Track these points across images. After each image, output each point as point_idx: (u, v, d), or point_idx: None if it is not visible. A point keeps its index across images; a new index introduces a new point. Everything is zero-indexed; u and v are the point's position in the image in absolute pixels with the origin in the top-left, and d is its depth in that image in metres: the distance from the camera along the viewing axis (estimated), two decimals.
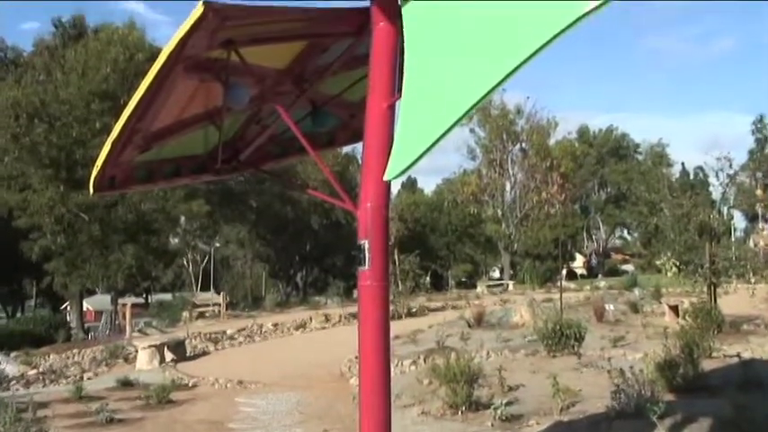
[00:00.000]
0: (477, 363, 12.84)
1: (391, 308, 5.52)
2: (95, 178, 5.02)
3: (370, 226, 4.11)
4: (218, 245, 67.36)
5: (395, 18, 4.07)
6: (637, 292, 33.45)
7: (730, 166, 60.51)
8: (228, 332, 27.97)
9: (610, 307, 24.11)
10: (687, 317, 18.51)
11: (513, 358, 15.77)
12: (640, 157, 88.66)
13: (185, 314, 35.44)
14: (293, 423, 12.11)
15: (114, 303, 40.62)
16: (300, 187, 48.43)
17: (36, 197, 34.75)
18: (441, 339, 18.45)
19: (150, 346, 21.24)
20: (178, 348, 22.12)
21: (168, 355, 21.20)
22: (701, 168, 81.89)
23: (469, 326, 22.52)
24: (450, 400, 10.93)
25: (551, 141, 66.12)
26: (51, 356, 25.31)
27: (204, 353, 23.90)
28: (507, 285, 52.31)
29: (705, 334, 14.49)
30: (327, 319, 31.12)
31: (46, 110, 34.95)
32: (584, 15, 2.74)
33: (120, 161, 5.04)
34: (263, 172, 6.91)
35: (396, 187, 68.89)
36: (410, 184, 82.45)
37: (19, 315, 53.09)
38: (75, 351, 25.71)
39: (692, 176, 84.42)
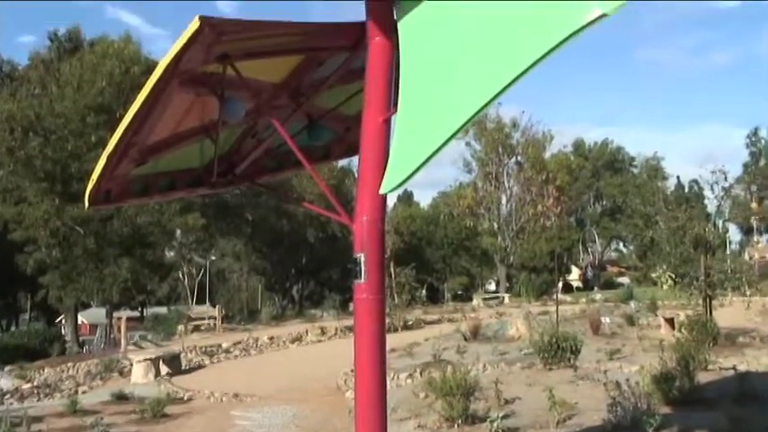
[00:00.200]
0: (474, 376, 12.82)
1: (387, 321, 5.52)
2: (91, 192, 5.02)
3: (366, 239, 4.11)
4: (213, 258, 67.29)
5: (391, 32, 4.08)
6: (633, 304, 33.43)
7: (725, 179, 60.51)
8: (224, 345, 27.88)
9: (606, 320, 24.10)
10: (683, 329, 18.51)
11: (509, 371, 15.75)
12: (636, 171, 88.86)
13: (181, 327, 35.33)
14: None
15: (109, 317, 40.51)
16: (296, 201, 48.42)
17: (31, 210, 34.69)
18: (437, 352, 18.41)
19: (145, 360, 21.16)
20: (173, 362, 22.04)
21: (163, 369, 21.11)
22: (696, 181, 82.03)
23: (465, 339, 22.50)
24: (447, 413, 10.91)
25: (547, 154, 66.30)
26: (46, 370, 25.18)
27: (200, 366, 23.81)
28: (503, 298, 52.26)
29: (701, 347, 14.48)
30: (323, 332, 31.04)
31: (41, 123, 34.94)
32: (580, 29, 2.75)
33: (115, 175, 5.05)
34: (259, 185, 6.91)
35: (392, 200, 69.03)
36: (406, 198, 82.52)
37: (13, 328, 52.89)
38: (69, 365, 25.59)
39: (687, 189, 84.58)
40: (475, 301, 50.39)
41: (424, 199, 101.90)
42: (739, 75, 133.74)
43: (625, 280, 76.90)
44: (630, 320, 25.28)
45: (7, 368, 25.22)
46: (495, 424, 10.00)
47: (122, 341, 31.29)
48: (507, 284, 62.41)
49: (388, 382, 4.83)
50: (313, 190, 46.54)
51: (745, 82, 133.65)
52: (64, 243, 35.82)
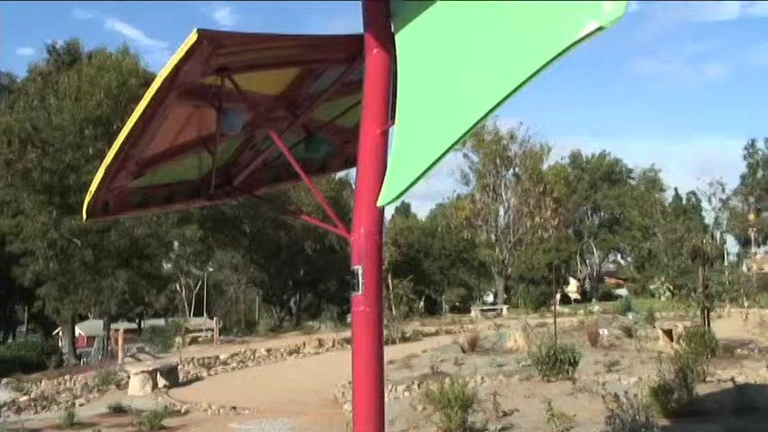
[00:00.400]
0: (472, 388, 12.77)
1: (385, 333, 5.54)
2: (89, 204, 5.02)
3: (364, 251, 4.11)
4: (211, 270, 67.09)
5: (388, 45, 4.10)
6: (631, 316, 33.38)
7: (723, 190, 60.81)
8: (221, 357, 27.81)
9: (604, 331, 24.05)
10: (681, 341, 18.49)
11: (507, 383, 15.72)
12: (633, 182, 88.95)
13: (178, 339, 35.25)
14: None
15: (107, 329, 40.39)
16: (294, 213, 48.47)
17: (29, 222, 34.66)
18: (435, 364, 18.38)
19: (143, 372, 21.09)
20: (171, 374, 21.98)
21: (161, 381, 21.05)
22: (693, 193, 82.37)
23: (463, 351, 22.45)
24: (445, 425, 10.88)
25: (544, 166, 66.35)
26: (43, 382, 25.08)
27: (197, 378, 23.74)
28: (501, 310, 52.23)
29: (699, 358, 14.46)
30: (321, 344, 30.99)
31: (39, 135, 34.97)
32: (576, 42, 2.76)
33: (113, 187, 5.05)
34: (257, 197, 6.92)
35: (389, 212, 68.99)
36: (404, 209, 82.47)
37: (10, 341, 52.72)
38: (66, 377, 25.50)
39: (684, 201, 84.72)
40: (473, 313, 50.38)
41: (421, 211, 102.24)
42: (736, 87, 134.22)
43: (623, 292, 76.78)
44: (629, 332, 25.24)
45: (4, 380, 25.12)
46: None
47: (120, 353, 31.20)
48: (505, 296, 62.37)
49: (385, 395, 4.82)
50: (311, 202, 46.55)
51: (742, 94, 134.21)
52: (61, 255, 35.78)
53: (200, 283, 64.52)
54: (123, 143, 4.43)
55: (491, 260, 64.11)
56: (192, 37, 3.68)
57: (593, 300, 68.46)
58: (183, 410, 16.82)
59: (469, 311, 53.97)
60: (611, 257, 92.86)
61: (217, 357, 27.80)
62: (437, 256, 70.68)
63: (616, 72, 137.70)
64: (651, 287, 30.33)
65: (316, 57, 4.88)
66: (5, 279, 39.63)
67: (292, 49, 4.72)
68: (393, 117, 3.87)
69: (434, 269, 70.67)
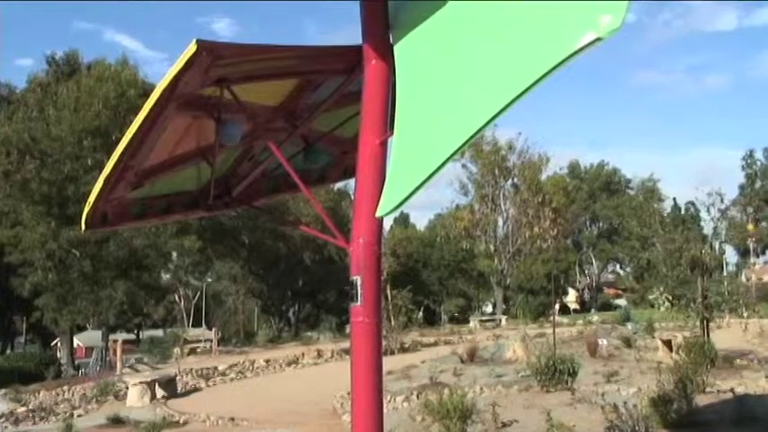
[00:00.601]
0: (471, 398, 12.74)
1: (384, 343, 5.53)
2: (87, 214, 5.02)
3: (363, 262, 4.11)
4: (210, 280, 67.05)
5: (387, 56, 4.11)
6: (630, 326, 33.36)
7: (721, 200, 60.67)
8: (220, 368, 27.75)
9: (603, 342, 24.01)
10: (680, 352, 18.45)
11: (506, 394, 15.68)
12: (632, 192, 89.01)
13: (176, 350, 35.18)
14: None
15: (105, 339, 40.31)
16: (293, 223, 48.43)
17: (27, 233, 34.62)
18: (433, 375, 18.32)
19: (141, 383, 21.04)
20: (169, 385, 21.93)
21: (159, 392, 21.00)
22: (692, 203, 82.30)
23: (462, 361, 22.40)
24: None
25: (543, 177, 66.36)
26: (41, 393, 25.02)
27: (195, 389, 23.69)
28: (500, 320, 52.14)
29: (698, 369, 14.43)
30: (320, 354, 30.94)
31: (38, 146, 34.96)
32: (574, 53, 2.77)
33: (112, 197, 5.05)
34: (255, 208, 6.92)
35: (388, 222, 69.07)
36: (403, 220, 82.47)
37: (9, 351, 52.63)
38: (65, 388, 25.43)
39: (683, 211, 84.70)
40: (472, 324, 50.30)
41: (420, 221, 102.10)
42: (734, 97, 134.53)
43: (622, 302, 76.78)
44: (628, 342, 25.19)
45: (2, 391, 25.07)
46: None
47: (118, 364, 31.14)
48: (504, 306, 62.28)
49: (384, 405, 4.81)
50: (309, 212, 46.52)
51: (741, 104, 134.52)
52: (60, 265, 35.72)
53: (198, 294, 64.43)
54: (122, 154, 4.44)
55: (490, 270, 64.04)
56: (192, 48, 3.69)
57: (593, 310, 68.42)
58: (181, 421, 16.78)
59: (468, 322, 53.89)
60: (610, 267, 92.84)
61: (215, 368, 27.74)
62: (436, 266, 70.65)
63: (614, 82, 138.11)
64: (650, 297, 30.26)
65: (314, 68, 4.89)
66: (4, 290, 39.59)
67: (291, 61, 4.73)
68: (392, 127, 3.88)
69: (433, 279, 70.63)
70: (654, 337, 25.08)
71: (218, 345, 38.36)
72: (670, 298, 25.50)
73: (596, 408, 11.70)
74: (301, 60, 4.80)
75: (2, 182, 34.63)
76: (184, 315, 62.69)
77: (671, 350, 20.79)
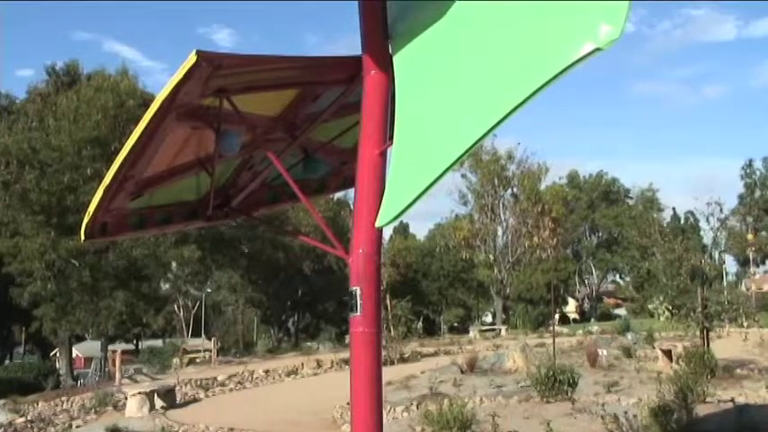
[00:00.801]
0: (470, 409, 12.72)
1: (383, 353, 5.51)
2: (87, 225, 5.02)
3: (362, 272, 4.11)
4: (209, 290, 66.99)
5: (386, 66, 4.12)
6: (630, 336, 33.34)
7: (721, 210, 60.65)
8: (219, 378, 27.68)
9: (603, 352, 23.99)
10: (680, 361, 18.43)
11: (506, 404, 15.65)
12: (631, 202, 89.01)
13: (176, 360, 35.15)
14: None
15: (104, 350, 40.27)
16: (292, 233, 48.47)
17: (27, 243, 34.59)
18: (433, 385, 18.28)
19: (140, 393, 20.97)
20: (168, 395, 21.86)
21: (158, 402, 20.93)
22: (691, 213, 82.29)
23: (462, 371, 22.36)
24: None
25: (542, 186, 66.39)
26: (40, 404, 24.94)
27: (195, 400, 23.62)
28: (500, 330, 52.09)
29: (699, 379, 14.42)
30: (319, 364, 30.88)
31: (37, 156, 34.97)
32: (573, 64, 2.77)
33: (111, 208, 5.05)
34: (255, 218, 6.92)
35: (388, 232, 69.07)
36: (402, 230, 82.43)
37: (7, 362, 52.55)
38: (63, 398, 25.35)
39: (682, 221, 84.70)
40: (471, 334, 50.25)
41: (420, 231, 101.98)
42: (734, 107, 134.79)
43: (622, 311, 76.76)
44: (628, 352, 25.18)
45: (1, 402, 24.99)
46: None
47: (117, 374, 31.05)
48: (504, 316, 62.24)
49: (384, 416, 4.79)
50: (309, 222, 46.54)
51: (740, 114, 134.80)
52: (59, 276, 35.68)
53: (198, 304, 64.44)
54: (122, 164, 4.44)
55: (489, 280, 64.02)
56: (192, 58, 3.69)
57: (592, 320, 68.38)
58: None
59: (468, 332, 53.84)
60: (610, 277, 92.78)
61: (215, 378, 27.66)
62: (435, 276, 70.62)
63: (613, 93, 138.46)
64: (650, 307, 30.20)
65: (314, 78, 4.90)
66: (3, 300, 39.50)
67: (291, 71, 4.74)
68: (391, 138, 3.89)
69: (433, 289, 70.58)
70: (654, 347, 25.06)
71: (218, 355, 38.26)
72: (670, 307, 25.46)
73: (596, 418, 11.69)
74: (301, 71, 4.81)
75: (1, 192, 34.63)
76: (184, 325, 62.72)
77: (671, 360, 20.77)
